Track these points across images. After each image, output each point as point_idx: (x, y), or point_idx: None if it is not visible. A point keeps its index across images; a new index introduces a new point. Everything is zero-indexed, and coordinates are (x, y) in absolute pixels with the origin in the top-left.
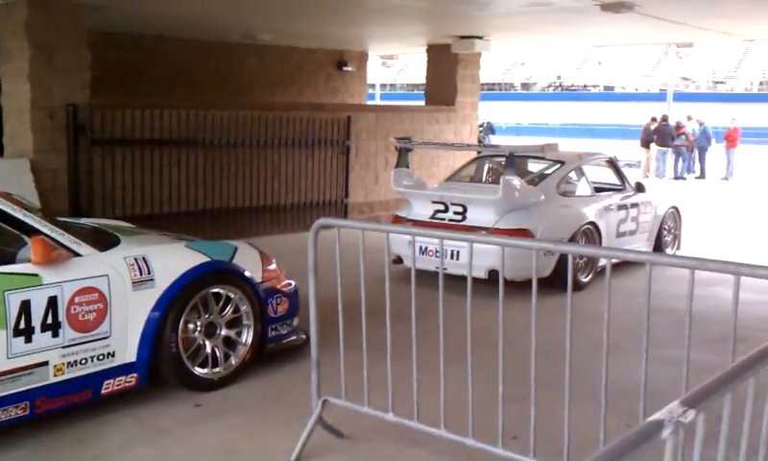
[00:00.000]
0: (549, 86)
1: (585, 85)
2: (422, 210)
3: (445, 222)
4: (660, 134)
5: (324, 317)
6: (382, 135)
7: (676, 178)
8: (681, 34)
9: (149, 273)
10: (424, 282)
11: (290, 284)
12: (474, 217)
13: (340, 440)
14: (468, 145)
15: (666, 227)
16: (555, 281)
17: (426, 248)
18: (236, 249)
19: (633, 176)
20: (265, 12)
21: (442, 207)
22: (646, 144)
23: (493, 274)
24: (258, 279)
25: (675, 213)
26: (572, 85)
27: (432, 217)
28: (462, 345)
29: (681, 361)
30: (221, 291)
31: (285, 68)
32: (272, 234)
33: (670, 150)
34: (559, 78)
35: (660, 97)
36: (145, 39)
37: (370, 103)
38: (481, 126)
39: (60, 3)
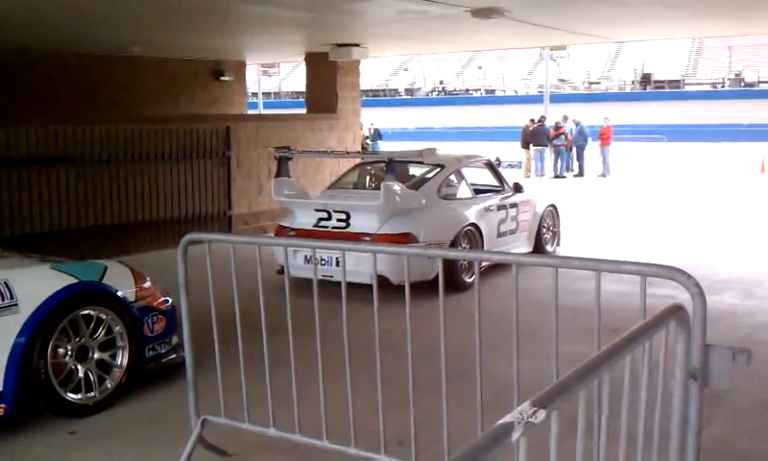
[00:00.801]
0: (433, 91)
1: (467, 90)
2: (306, 219)
3: (329, 230)
4: (538, 135)
5: (205, 333)
6: (264, 145)
7: (556, 176)
8: (553, 38)
9: (11, 298)
10: (309, 292)
11: (167, 301)
12: (358, 224)
13: (224, 458)
14: (347, 152)
15: (545, 225)
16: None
17: (310, 257)
18: (106, 268)
19: (515, 176)
20: (133, 24)
21: (325, 215)
22: (526, 145)
23: (380, 279)
24: (131, 298)
25: (553, 211)
26: (455, 90)
27: (316, 225)
28: (351, 352)
29: (566, 355)
30: (91, 313)
31: (160, 80)
32: (152, 250)
33: (548, 149)
34: (441, 83)
35: (538, 99)
36: (9, 54)
37: (250, 112)
38: (370, 131)
39: None
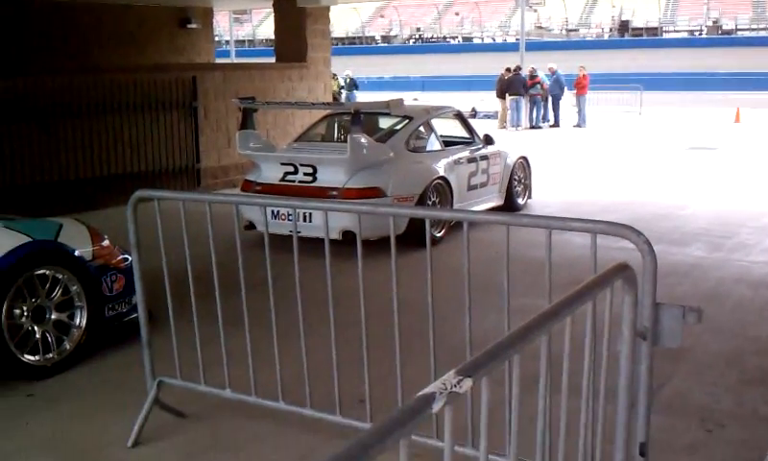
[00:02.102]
0: (410, 39)
1: (444, 38)
2: (272, 173)
3: (296, 184)
4: (513, 84)
5: (164, 293)
6: (231, 95)
7: (532, 127)
8: None
9: None
10: (278, 247)
11: (126, 260)
12: (325, 178)
13: (181, 420)
14: (313, 103)
15: (516, 177)
16: (409, 238)
17: (278, 212)
18: (61, 226)
19: (490, 127)
20: None
21: (291, 169)
22: (502, 95)
23: (347, 234)
24: (88, 256)
25: (524, 163)
26: (432, 38)
27: (282, 180)
28: (314, 310)
29: (526, 310)
30: (47, 272)
31: (124, 28)
32: (118, 205)
33: (524, 99)
34: (419, 30)
35: (515, 47)
36: None
37: (221, 61)
38: (345, 81)
39: None
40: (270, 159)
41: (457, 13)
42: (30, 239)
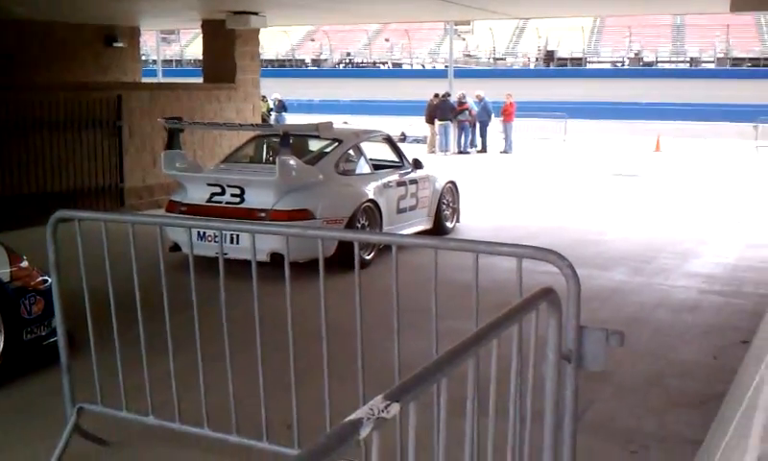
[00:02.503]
0: (340, 63)
1: (374, 63)
2: (198, 194)
3: (223, 205)
4: (442, 110)
5: (84, 316)
6: (158, 115)
7: (460, 152)
8: (455, 13)
9: None
10: (204, 269)
11: (46, 281)
12: (252, 199)
13: (102, 448)
14: (240, 125)
15: (445, 201)
16: (338, 261)
17: (204, 233)
18: None
19: (419, 151)
20: None
21: (218, 190)
22: (430, 120)
23: (276, 256)
24: (6, 278)
25: (453, 188)
26: (362, 62)
27: (209, 201)
28: (240, 334)
29: (454, 333)
30: None
31: (47, 45)
32: (39, 226)
33: (452, 125)
34: (349, 55)
35: (444, 74)
36: None
37: (147, 80)
38: (274, 103)
39: None
40: (196, 180)
41: (387, 40)
42: None
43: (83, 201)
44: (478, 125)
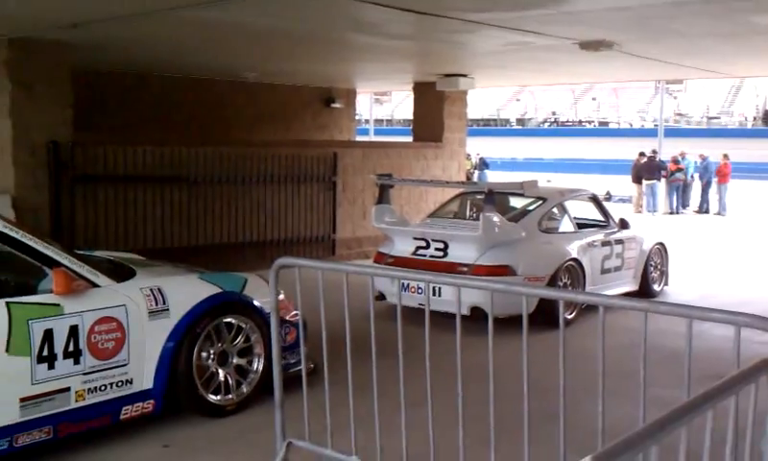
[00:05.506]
0: (544, 122)
1: (580, 121)
2: (404, 247)
3: (427, 259)
4: (649, 169)
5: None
6: (369, 171)
7: (671, 212)
8: (667, 72)
9: (164, 303)
10: (405, 318)
11: (297, 315)
12: (455, 254)
13: None
14: (447, 182)
15: (653, 263)
16: (538, 317)
17: (408, 284)
18: (246, 280)
19: (625, 211)
20: (250, 53)
21: (423, 244)
22: (637, 179)
23: (476, 311)
24: (268, 309)
25: (661, 249)
26: (567, 121)
27: (414, 253)
28: (440, 384)
29: (661, 401)
30: (233, 321)
31: (272, 105)
32: (259, 269)
33: (658, 184)
34: (554, 114)
35: (653, 133)
36: (128, 77)
37: (359, 139)
38: (476, 161)
39: (41, 42)
40: (403, 233)
41: (594, 99)
42: (220, 290)
43: (297, 249)
44: (700, 185)
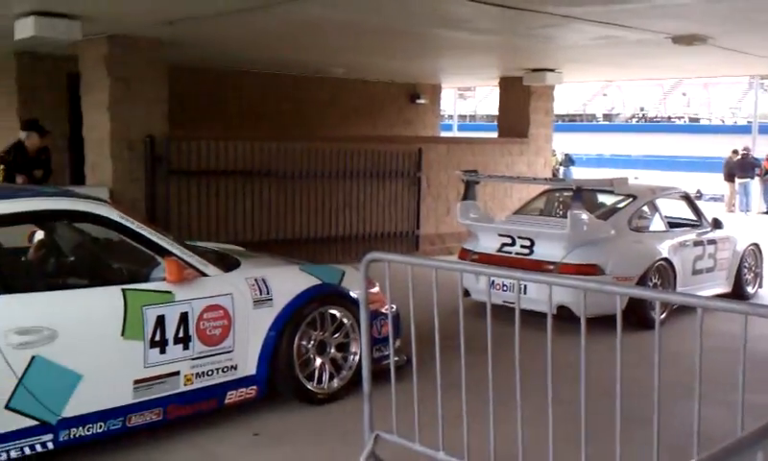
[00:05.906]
0: (632, 118)
1: (669, 117)
2: (489, 243)
3: (512, 256)
4: (742, 167)
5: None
6: (453, 167)
7: (766, 212)
8: (763, 66)
9: (268, 293)
10: (495, 317)
11: (392, 307)
12: (542, 251)
13: None
14: (534, 179)
15: (747, 264)
16: (627, 318)
17: (493, 281)
18: (344, 272)
19: (716, 210)
20: (339, 49)
21: (509, 241)
22: (729, 177)
23: (562, 310)
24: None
25: (756, 250)
26: (656, 117)
27: (499, 250)
28: (528, 383)
29: (755, 407)
30: (337, 313)
31: (358, 101)
32: (344, 263)
33: (752, 182)
34: (642, 109)
35: (746, 130)
36: (221, 74)
37: (443, 135)
38: (561, 158)
39: (139, 39)
40: (488, 230)
41: (684, 94)
42: (320, 282)
43: (381, 244)
44: None
